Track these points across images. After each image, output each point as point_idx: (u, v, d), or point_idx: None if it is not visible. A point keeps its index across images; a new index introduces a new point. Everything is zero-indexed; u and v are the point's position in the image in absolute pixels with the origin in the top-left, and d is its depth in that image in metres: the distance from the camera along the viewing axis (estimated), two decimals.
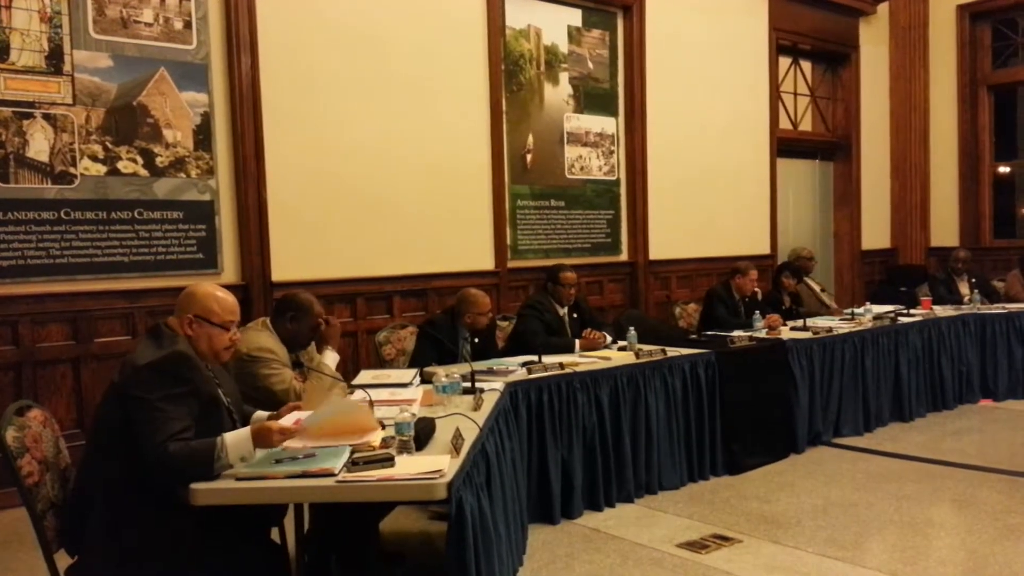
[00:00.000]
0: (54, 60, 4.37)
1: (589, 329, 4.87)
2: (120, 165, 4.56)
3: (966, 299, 6.88)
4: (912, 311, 6.35)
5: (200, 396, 2.33)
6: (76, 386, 4.46)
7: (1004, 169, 9.36)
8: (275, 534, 2.77)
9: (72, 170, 4.43)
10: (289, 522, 2.91)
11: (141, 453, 2.19)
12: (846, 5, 8.63)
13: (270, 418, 2.64)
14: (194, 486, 2.19)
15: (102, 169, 4.51)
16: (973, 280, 7.11)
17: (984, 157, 9.09)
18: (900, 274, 8.97)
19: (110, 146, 4.53)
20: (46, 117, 4.35)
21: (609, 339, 4.84)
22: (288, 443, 2.40)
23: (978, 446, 5.20)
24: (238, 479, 2.24)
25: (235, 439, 2.31)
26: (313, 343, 3.54)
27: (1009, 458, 4.88)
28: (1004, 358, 6.42)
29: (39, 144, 4.33)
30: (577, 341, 4.75)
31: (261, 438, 2.34)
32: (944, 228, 9.16)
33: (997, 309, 6.59)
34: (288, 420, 2.55)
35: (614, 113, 6.90)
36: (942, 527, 3.87)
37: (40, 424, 2.37)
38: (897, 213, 9.33)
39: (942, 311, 6.44)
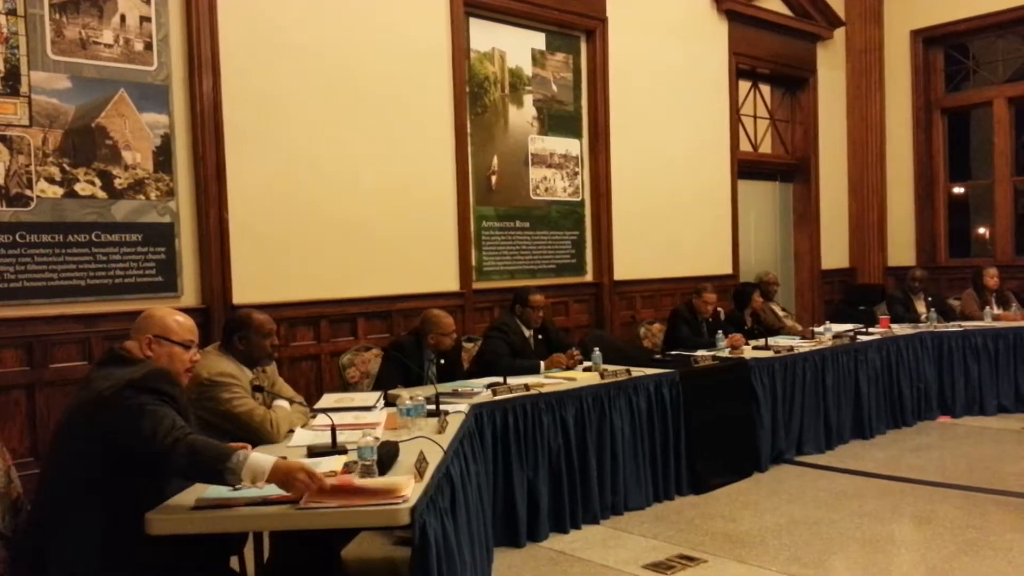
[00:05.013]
0: (10, 81, 4.29)
1: (569, 352, 4.87)
2: (78, 187, 4.49)
3: (923, 317, 7.01)
4: (871, 329, 6.47)
5: (180, 412, 2.29)
6: (31, 413, 4.34)
7: (958, 190, 9.60)
8: (235, 563, 2.72)
9: (28, 192, 4.34)
10: (249, 550, 2.87)
11: (152, 445, 2.13)
12: (803, 30, 8.82)
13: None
14: (150, 515, 2.15)
15: (59, 191, 4.43)
16: (929, 299, 7.26)
17: (939, 178, 9.30)
18: (859, 293, 9.12)
19: (67, 168, 4.46)
20: (1, 139, 4.27)
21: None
22: (308, 498, 2.18)
23: (937, 462, 5.28)
24: (195, 508, 2.20)
25: (256, 458, 2.18)
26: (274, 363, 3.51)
27: (967, 474, 4.97)
28: (961, 375, 6.56)
29: None
30: (542, 363, 4.75)
31: (281, 474, 2.17)
32: (901, 248, 9.35)
33: (953, 327, 6.73)
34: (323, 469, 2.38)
35: (578, 135, 6.96)
36: (903, 543, 3.92)
37: None
38: (855, 233, 9.50)
39: (900, 329, 6.56)
